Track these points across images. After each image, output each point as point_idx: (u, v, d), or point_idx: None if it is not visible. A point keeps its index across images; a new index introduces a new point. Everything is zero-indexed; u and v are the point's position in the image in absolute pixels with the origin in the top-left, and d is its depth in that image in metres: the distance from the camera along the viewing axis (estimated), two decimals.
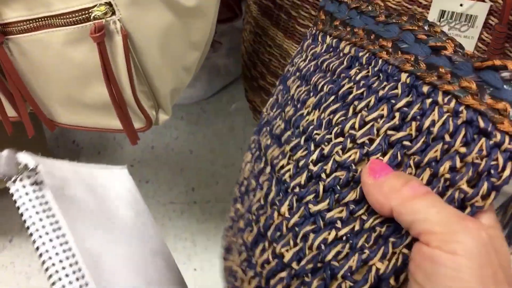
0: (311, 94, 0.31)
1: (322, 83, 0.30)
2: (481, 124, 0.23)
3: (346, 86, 0.28)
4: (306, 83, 0.32)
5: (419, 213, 0.22)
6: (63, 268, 0.27)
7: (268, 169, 0.30)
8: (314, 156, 0.27)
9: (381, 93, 0.27)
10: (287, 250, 0.26)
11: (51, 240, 0.27)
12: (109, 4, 0.40)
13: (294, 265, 0.26)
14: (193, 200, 0.86)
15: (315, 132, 0.28)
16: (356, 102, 0.27)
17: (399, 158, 0.25)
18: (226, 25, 0.80)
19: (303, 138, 0.29)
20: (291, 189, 0.28)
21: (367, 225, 0.25)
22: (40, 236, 0.27)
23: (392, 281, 0.24)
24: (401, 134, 0.25)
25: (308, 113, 0.30)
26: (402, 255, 0.24)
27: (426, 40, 0.27)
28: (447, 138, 0.24)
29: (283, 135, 0.30)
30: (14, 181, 0.28)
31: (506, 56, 0.41)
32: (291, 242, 0.26)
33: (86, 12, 0.40)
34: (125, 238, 0.35)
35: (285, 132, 0.31)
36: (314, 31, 0.35)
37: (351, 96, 0.28)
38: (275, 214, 0.28)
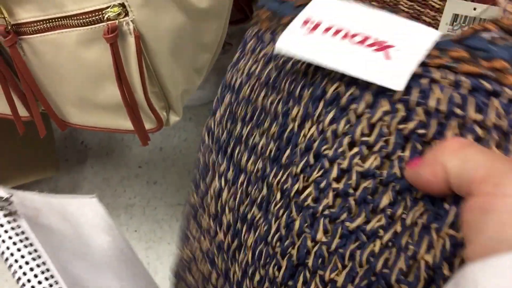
0: (291, 103, 0.28)
1: (298, 88, 0.28)
2: (488, 86, 0.22)
3: (332, 88, 0.27)
4: (274, 90, 0.30)
5: (468, 162, 0.21)
6: None
7: (278, 196, 0.28)
8: (334, 174, 0.26)
9: (374, 87, 0.25)
10: (337, 275, 0.25)
11: (32, 269, 0.26)
12: (123, 5, 0.40)
13: (349, 287, 0.25)
14: None
15: (323, 148, 0.26)
16: (353, 106, 0.26)
17: (420, 147, 0.24)
18: (236, 27, 0.80)
19: (311, 156, 0.27)
20: (320, 213, 0.26)
21: (408, 222, 0.24)
22: (20, 267, 0.26)
23: (445, 271, 0.22)
24: (412, 124, 0.24)
25: (300, 127, 0.28)
26: (449, 238, 0.22)
27: None
28: (458, 111, 0.23)
29: (281, 156, 0.28)
30: None
31: None
32: (339, 265, 0.25)
33: (100, 13, 0.40)
34: (105, 263, 0.35)
35: (281, 153, 0.28)
36: (256, 31, 0.33)
37: (344, 99, 0.26)
38: (308, 242, 0.26)
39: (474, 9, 0.41)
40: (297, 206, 0.27)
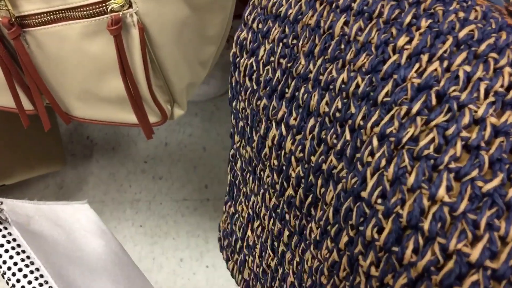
0: (394, 32, 0.24)
1: (409, 17, 0.24)
2: None
3: (465, 30, 0.23)
4: (362, 16, 0.25)
5: None
6: None
7: (375, 142, 0.23)
8: (465, 120, 0.21)
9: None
10: (466, 246, 0.20)
11: (25, 276, 0.26)
12: None
13: (488, 263, 0.20)
14: (206, 197, 0.86)
15: (451, 89, 0.22)
16: (491, 58, 0.22)
17: None
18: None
19: (433, 96, 0.22)
20: (445, 165, 0.21)
21: None
22: (14, 274, 0.26)
23: None
24: None
25: (411, 60, 0.23)
26: None
27: None
28: None
29: (377, 93, 0.24)
30: None
31: None
32: (469, 235, 0.20)
33: (103, 4, 0.40)
34: (100, 268, 0.34)
35: (378, 89, 0.24)
36: None
37: (482, 47, 0.22)
38: (425, 200, 0.21)
39: None
40: (411, 155, 0.22)
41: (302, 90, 0.27)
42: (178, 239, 0.83)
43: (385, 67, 0.24)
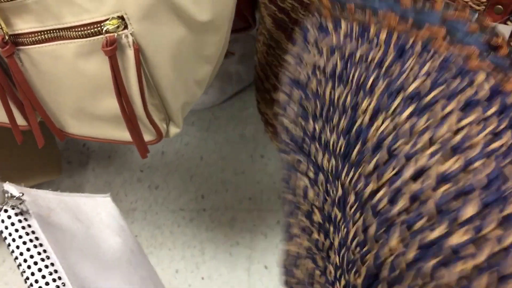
0: (361, 95, 0.26)
1: (371, 80, 0.26)
2: None
3: (415, 84, 0.24)
4: (341, 82, 0.28)
5: None
6: None
7: (352, 197, 0.26)
8: (409, 172, 0.23)
9: (468, 94, 0.23)
10: None
11: (40, 270, 0.26)
12: (122, 18, 0.39)
13: None
14: (202, 208, 0.85)
15: (397, 143, 0.24)
16: (440, 105, 0.23)
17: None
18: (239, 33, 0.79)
19: (384, 152, 0.24)
20: (396, 217, 0.23)
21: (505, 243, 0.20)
22: (29, 267, 0.26)
23: None
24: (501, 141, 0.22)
25: (372, 120, 0.25)
26: None
27: (480, 34, 0.24)
28: None
29: (350, 153, 0.26)
30: None
31: None
32: (419, 282, 0.22)
33: (98, 25, 0.39)
34: (114, 265, 0.34)
35: (351, 149, 0.26)
36: (319, 20, 0.31)
37: (429, 97, 0.24)
38: (385, 249, 0.23)
39: None
40: (373, 209, 0.24)
41: (313, 148, 0.29)
42: (173, 250, 0.82)
43: (354, 128, 0.26)
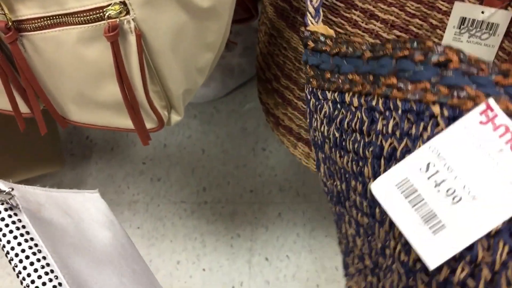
0: (360, 163, 0.28)
1: (361, 148, 0.28)
2: None
3: (387, 145, 0.26)
4: (344, 151, 0.30)
5: None
6: None
7: (390, 261, 0.28)
8: None
9: (425, 135, 0.24)
10: None
11: (32, 264, 0.26)
12: (124, 3, 0.39)
13: None
14: (204, 200, 0.86)
15: None
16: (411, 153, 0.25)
17: None
18: (242, 25, 0.79)
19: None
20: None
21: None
22: (21, 261, 0.26)
23: None
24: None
25: None
26: None
27: (427, 60, 0.25)
28: None
29: (374, 212, 0.28)
30: None
31: None
32: None
33: (100, 11, 0.40)
34: (106, 259, 0.34)
35: (374, 209, 0.28)
36: (311, 89, 0.33)
37: (398, 153, 0.26)
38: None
39: (482, 12, 0.40)
40: (405, 270, 0.26)
41: (347, 204, 0.32)
42: (175, 242, 0.83)
43: (368, 191, 0.28)
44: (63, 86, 0.47)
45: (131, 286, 0.35)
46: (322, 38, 0.31)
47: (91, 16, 0.40)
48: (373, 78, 0.27)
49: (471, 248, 0.22)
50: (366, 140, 0.27)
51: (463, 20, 0.41)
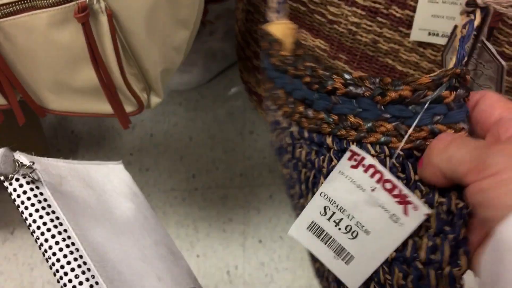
0: (292, 179, 0.31)
1: (292, 167, 0.31)
2: None
3: (303, 173, 0.29)
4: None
5: (452, 158, 0.23)
6: (68, 263, 0.27)
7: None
8: None
9: (324, 170, 0.27)
10: None
11: (53, 237, 0.27)
12: None
13: None
14: (194, 187, 0.85)
15: None
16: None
17: None
18: (221, 7, 0.78)
19: None
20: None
21: None
22: (42, 233, 0.27)
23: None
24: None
25: None
26: None
27: (320, 88, 0.26)
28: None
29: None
30: (11, 180, 0.27)
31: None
32: None
33: None
34: (127, 231, 0.35)
35: None
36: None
37: (310, 184, 0.29)
38: None
39: None
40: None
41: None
42: (167, 230, 0.82)
43: None
44: (38, 74, 0.46)
45: (152, 257, 0.35)
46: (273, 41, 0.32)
47: None
48: (293, 101, 0.29)
49: (377, 271, 0.26)
50: (293, 162, 0.30)
51: None
